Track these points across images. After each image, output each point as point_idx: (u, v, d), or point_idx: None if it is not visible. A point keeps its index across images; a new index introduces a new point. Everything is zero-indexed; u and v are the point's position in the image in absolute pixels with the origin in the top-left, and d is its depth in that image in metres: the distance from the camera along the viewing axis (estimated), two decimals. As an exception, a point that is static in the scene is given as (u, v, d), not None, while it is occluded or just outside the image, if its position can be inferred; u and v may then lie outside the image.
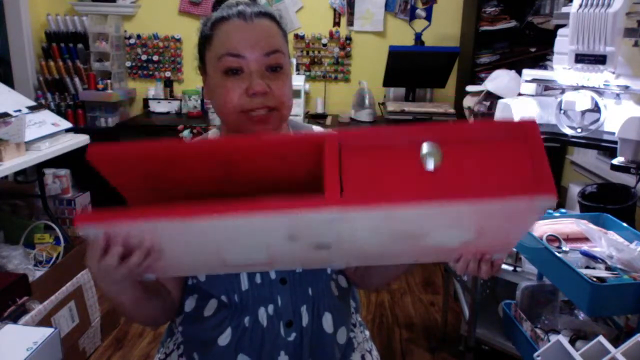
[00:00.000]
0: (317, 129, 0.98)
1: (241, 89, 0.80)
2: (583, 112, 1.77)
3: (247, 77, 0.80)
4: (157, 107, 3.68)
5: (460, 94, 3.20)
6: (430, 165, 0.55)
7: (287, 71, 0.84)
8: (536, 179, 0.55)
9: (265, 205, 0.56)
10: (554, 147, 2.34)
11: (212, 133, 0.95)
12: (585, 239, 1.42)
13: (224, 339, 0.86)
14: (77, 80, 3.59)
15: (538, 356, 1.26)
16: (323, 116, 3.56)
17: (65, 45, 3.56)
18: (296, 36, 3.65)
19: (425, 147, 0.56)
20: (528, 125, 0.57)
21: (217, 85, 0.82)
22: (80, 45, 3.56)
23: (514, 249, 1.71)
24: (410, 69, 3.25)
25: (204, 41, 0.85)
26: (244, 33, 0.80)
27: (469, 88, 2.90)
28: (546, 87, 1.94)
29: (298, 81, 3.17)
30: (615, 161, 1.61)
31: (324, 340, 0.89)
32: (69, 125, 2.71)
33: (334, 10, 3.62)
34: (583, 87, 1.73)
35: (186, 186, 0.69)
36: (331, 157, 0.57)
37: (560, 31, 1.82)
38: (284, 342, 0.85)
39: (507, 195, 0.55)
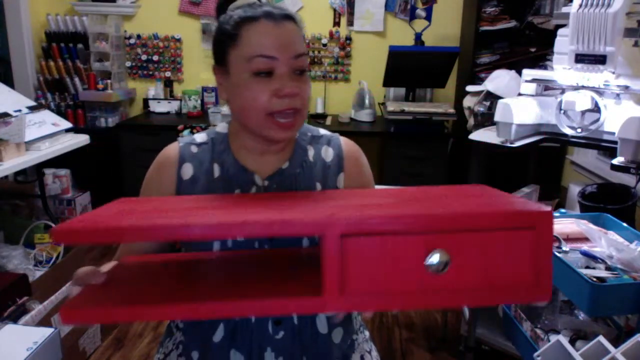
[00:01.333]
0: (323, 131, 0.99)
1: (271, 90, 0.81)
2: (583, 112, 1.77)
3: (277, 79, 0.81)
4: (157, 107, 3.68)
5: (460, 94, 3.20)
6: (436, 271, 0.55)
7: (308, 74, 0.87)
8: (536, 280, 0.55)
9: (255, 307, 0.56)
10: (554, 147, 2.35)
11: (221, 127, 0.96)
12: (585, 239, 1.42)
13: (218, 335, 0.87)
14: (77, 80, 3.58)
15: (538, 356, 1.26)
16: (323, 116, 3.56)
17: (65, 45, 3.56)
18: (296, 36, 3.64)
19: (434, 257, 0.55)
20: (542, 217, 0.55)
21: (243, 86, 0.82)
22: (80, 45, 3.56)
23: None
24: (410, 69, 3.25)
25: (227, 40, 0.84)
26: (276, 35, 0.81)
27: (469, 88, 2.90)
28: (546, 87, 1.94)
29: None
30: (615, 161, 1.61)
31: (318, 340, 0.89)
32: (69, 125, 2.71)
33: (334, 10, 3.62)
34: (583, 87, 1.73)
35: None
36: (331, 252, 0.54)
37: (560, 31, 1.81)
38: (271, 340, 0.86)
39: (503, 301, 0.56)
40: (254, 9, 0.83)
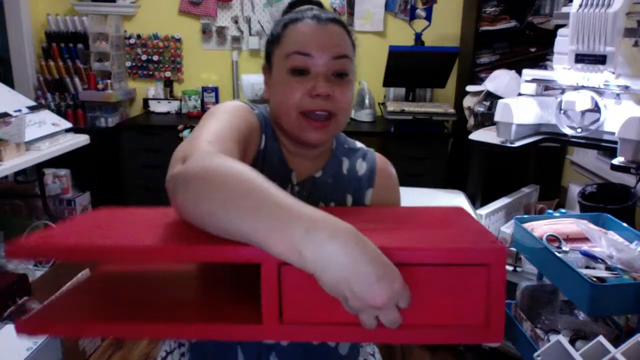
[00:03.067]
0: (360, 145, 0.97)
1: (305, 89, 0.80)
2: (583, 112, 1.77)
3: (312, 79, 0.80)
4: (157, 107, 3.68)
5: (460, 94, 3.20)
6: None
7: (351, 79, 0.84)
8: (486, 321, 0.53)
9: (200, 331, 0.55)
10: (554, 147, 2.35)
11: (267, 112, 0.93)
12: (585, 239, 1.42)
13: None
14: (77, 80, 3.58)
15: (538, 356, 1.26)
16: (323, 116, 3.56)
17: (65, 45, 3.56)
18: (296, 36, 3.64)
19: None
20: (494, 253, 0.52)
21: (281, 83, 0.82)
22: (80, 45, 3.56)
23: (514, 249, 1.71)
24: (410, 69, 3.25)
25: (273, 40, 0.86)
26: (316, 34, 0.81)
27: (469, 88, 2.91)
28: (546, 87, 1.95)
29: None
30: (615, 161, 1.61)
31: (324, 352, 0.89)
32: (68, 125, 2.71)
33: (334, 10, 3.62)
34: (583, 87, 1.73)
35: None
36: (269, 281, 0.53)
37: (560, 31, 1.82)
38: (276, 345, 0.86)
39: (449, 341, 0.54)
40: (303, 12, 0.84)
